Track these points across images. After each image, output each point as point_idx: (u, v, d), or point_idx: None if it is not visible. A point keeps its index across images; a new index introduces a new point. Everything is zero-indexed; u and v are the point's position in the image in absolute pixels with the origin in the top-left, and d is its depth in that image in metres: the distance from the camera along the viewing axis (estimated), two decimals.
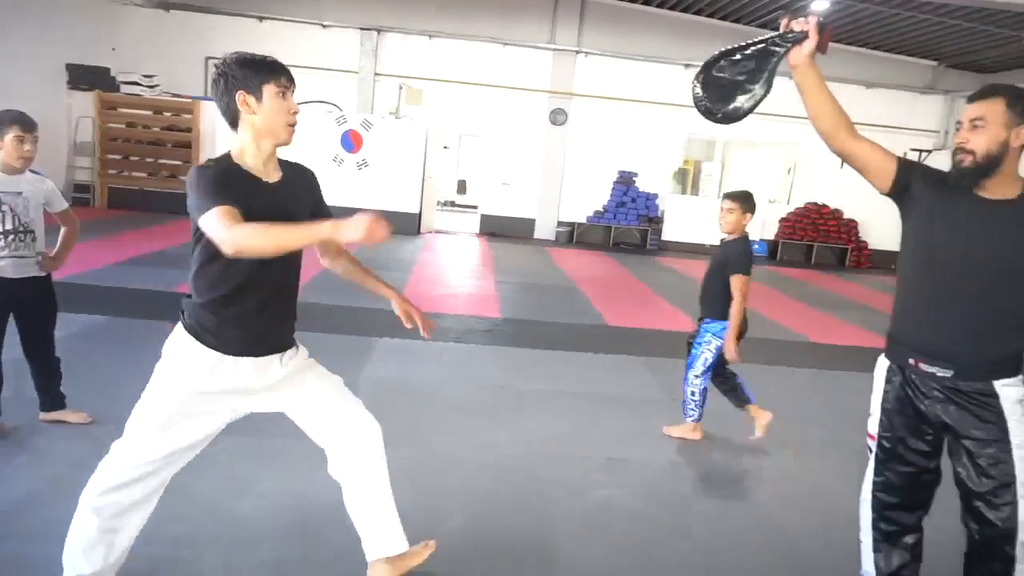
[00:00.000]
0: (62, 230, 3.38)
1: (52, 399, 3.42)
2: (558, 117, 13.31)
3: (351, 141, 12.12)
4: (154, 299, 6.17)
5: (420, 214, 12.66)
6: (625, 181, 13.43)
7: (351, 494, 2.32)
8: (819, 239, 13.76)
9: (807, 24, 2.06)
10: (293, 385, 2.22)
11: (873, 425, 2.24)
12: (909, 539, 2.22)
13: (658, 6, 12.72)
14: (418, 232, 12.61)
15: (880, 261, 14.07)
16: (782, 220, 14.06)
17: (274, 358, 2.16)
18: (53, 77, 11.30)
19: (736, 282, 3.64)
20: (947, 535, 2.32)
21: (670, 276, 10.83)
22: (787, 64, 2.16)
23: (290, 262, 2.15)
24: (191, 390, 2.05)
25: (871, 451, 2.26)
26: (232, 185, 1.92)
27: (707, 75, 2.22)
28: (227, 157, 2.03)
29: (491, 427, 3.96)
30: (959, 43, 12.01)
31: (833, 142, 2.19)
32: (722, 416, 4.15)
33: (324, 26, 12.69)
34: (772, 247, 13.99)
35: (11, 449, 3.15)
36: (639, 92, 13.39)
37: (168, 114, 11.90)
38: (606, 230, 13.67)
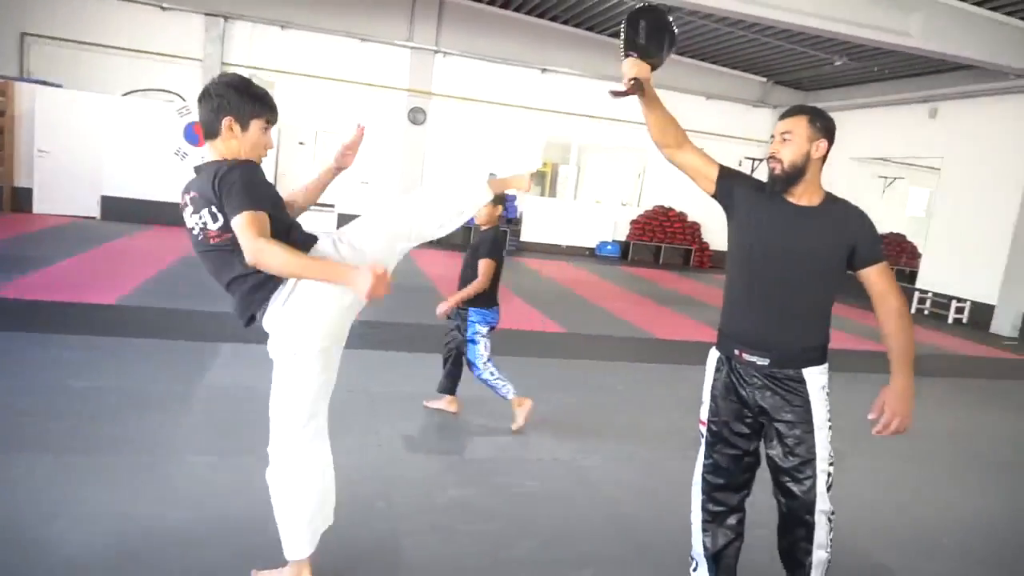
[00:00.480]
0: None
1: None
2: (417, 116, 13.22)
3: (195, 134, 11.35)
4: None
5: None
6: None
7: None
8: (666, 240, 14.61)
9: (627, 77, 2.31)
10: None
11: (704, 412, 2.45)
12: (732, 519, 2.43)
13: (516, 10, 12.95)
14: None
15: (720, 261, 15.17)
16: (633, 222, 14.80)
17: None
18: None
19: (482, 265, 3.98)
20: (765, 515, 2.53)
21: (529, 277, 11.07)
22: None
23: None
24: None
25: (702, 436, 2.46)
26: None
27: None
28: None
29: (341, 431, 3.82)
30: (784, 62, 13.20)
31: (666, 152, 2.46)
32: (580, 409, 4.28)
33: (163, 8, 11.79)
34: (624, 248, 14.69)
35: None
36: (498, 94, 13.58)
37: None
38: (466, 231, 13.73)
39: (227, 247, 2.14)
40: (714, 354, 2.42)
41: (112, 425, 3.57)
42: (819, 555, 2.28)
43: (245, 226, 1.98)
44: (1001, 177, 10.51)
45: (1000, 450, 4.87)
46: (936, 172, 11.79)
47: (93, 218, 11.17)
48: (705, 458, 2.44)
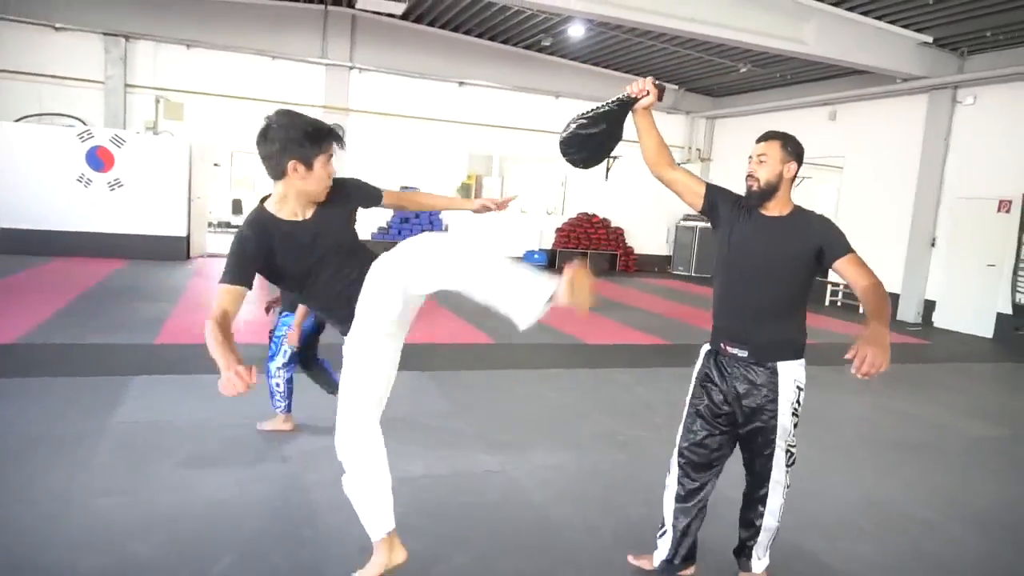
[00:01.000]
0: None
1: None
2: None
3: (99, 159, 10.85)
4: None
5: (189, 237, 11.66)
6: None
7: None
8: (592, 247, 14.85)
9: (646, 84, 2.64)
10: None
11: (689, 395, 2.74)
12: (700, 497, 2.73)
13: (430, 24, 12.96)
14: (187, 257, 11.60)
15: (644, 264, 15.53)
16: (558, 230, 14.98)
17: None
18: None
19: None
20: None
21: None
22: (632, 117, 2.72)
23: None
24: None
25: (685, 413, 2.74)
26: (261, 242, 2.32)
27: (572, 133, 2.67)
28: (263, 208, 2.37)
29: (263, 460, 3.72)
30: (695, 70, 13.68)
31: (656, 170, 2.73)
32: (510, 419, 4.26)
33: (56, 28, 11.22)
34: (551, 256, 14.84)
35: None
36: (417, 108, 13.53)
37: None
38: (391, 247, 13.59)
39: None
40: (706, 347, 2.74)
41: (14, 473, 3.34)
42: (769, 520, 2.64)
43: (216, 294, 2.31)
44: (897, 173, 11.18)
45: (909, 432, 5.14)
46: (839, 171, 12.43)
47: None
48: (683, 438, 2.72)
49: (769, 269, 2.55)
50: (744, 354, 2.57)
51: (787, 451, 2.59)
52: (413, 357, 6.15)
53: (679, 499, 2.74)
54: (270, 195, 2.41)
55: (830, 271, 2.55)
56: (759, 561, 2.73)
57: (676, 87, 15.12)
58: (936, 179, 10.65)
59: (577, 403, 5.25)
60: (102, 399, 4.46)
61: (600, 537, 3.16)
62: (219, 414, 4.35)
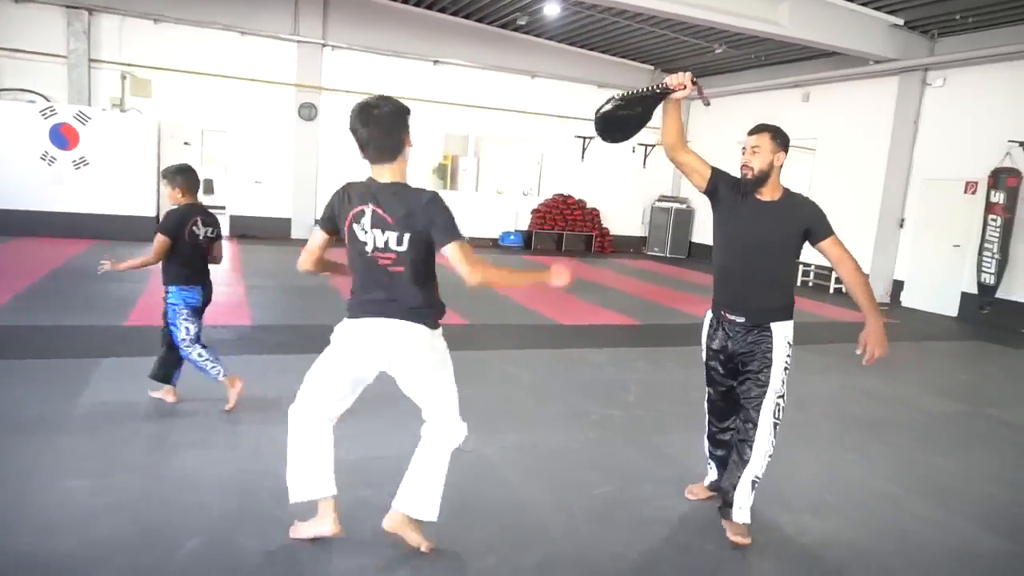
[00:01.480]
0: None
1: None
2: (308, 112, 12.82)
3: (64, 136, 10.58)
4: None
5: (158, 217, 11.45)
6: None
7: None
8: (568, 228, 14.86)
9: (686, 80, 2.92)
10: None
11: (703, 356, 3.21)
12: (726, 436, 3.24)
13: (403, 1, 12.77)
14: None
15: (620, 245, 15.59)
16: (534, 211, 14.96)
17: None
18: None
19: (155, 240, 3.99)
20: None
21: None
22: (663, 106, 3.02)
23: None
24: None
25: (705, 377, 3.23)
26: None
27: (610, 112, 2.96)
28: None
29: (233, 442, 3.69)
30: (669, 50, 13.66)
31: (673, 152, 3.02)
32: (483, 400, 4.27)
33: (15, 0, 10.87)
34: (527, 237, 14.83)
35: None
36: (392, 87, 13.31)
37: None
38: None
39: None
40: (709, 314, 3.15)
41: None
42: (752, 466, 2.98)
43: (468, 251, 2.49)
44: (867, 154, 11.31)
45: (874, 409, 5.25)
46: (812, 152, 12.53)
47: None
48: (708, 395, 3.26)
49: (764, 247, 2.92)
50: (742, 320, 2.96)
51: (775, 402, 2.94)
52: None
53: (711, 440, 3.31)
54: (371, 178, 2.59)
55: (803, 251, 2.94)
56: (740, 510, 2.99)
57: (651, 67, 15.10)
58: (905, 160, 10.80)
59: (550, 383, 5.28)
60: (70, 382, 4.40)
61: (570, 514, 3.20)
62: (188, 396, 4.31)
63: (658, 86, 2.94)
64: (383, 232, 2.53)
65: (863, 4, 9.81)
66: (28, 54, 11.05)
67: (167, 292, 4.06)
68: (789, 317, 2.97)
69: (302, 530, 2.81)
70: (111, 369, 4.75)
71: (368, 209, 2.54)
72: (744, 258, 2.96)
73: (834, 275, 11.67)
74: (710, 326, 3.13)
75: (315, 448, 2.79)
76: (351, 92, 13.05)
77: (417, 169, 13.80)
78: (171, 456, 3.47)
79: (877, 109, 11.25)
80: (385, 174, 2.53)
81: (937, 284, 10.03)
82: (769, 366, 2.92)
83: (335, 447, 2.98)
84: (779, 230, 2.91)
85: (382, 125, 2.45)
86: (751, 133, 2.95)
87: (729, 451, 3.13)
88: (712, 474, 3.38)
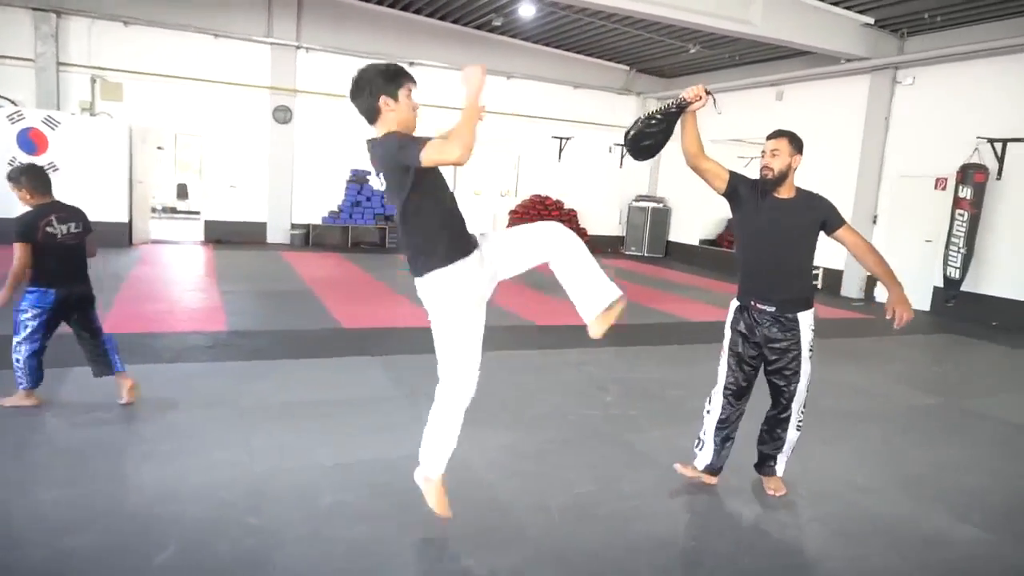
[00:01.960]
0: None
1: None
2: (283, 115, 12.71)
3: (32, 142, 10.38)
4: None
5: (131, 223, 11.30)
6: (359, 180, 13.27)
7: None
8: None
9: (701, 91, 3.21)
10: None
11: (726, 343, 3.45)
12: (738, 415, 3.48)
13: (378, 3, 12.71)
14: (130, 244, 11.24)
15: (598, 245, 15.63)
16: (511, 212, 14.95)
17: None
18: None
19: (14, 253, 3.91)
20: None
21: (409, 274, 10.93)
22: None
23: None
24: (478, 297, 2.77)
25: (722, 360, 3.46)
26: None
27: (640, 131, 3.27)
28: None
29: (208, 450, 3.64)
30: (645, 51, 13.74)
31: (693, 160, 3.30)
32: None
33: None
34: None
35: None
36: None
37: None
38: (344, 231, 13.41)
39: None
40: (734, 303, 3.44)
41: None
42: (792, 434, 3.41)
43: (437, 146, 2.49)
44: (840, 151, 11.45)
45: (850, 402, 5.30)
46: None
47: None
48: (727, 377, 3.43)
49: (786, 241, 3.26)
50: (772, 309, 3.27)
51: (806, 385, 3.33)
52: (361, 342, 6.11)
53: (721, 422, 3.47)
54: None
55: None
56: (781, 466, 3.50)
57: (627, 68, 15.17)
58: (877, 157, 10.95)
59: (527, 383, 5.27)
60: (38, 392, 4.31)
61: (548, 514, 3.20)
62: (160, 404, 4.25)
63: (675, 103, 3.23)
64: (378, 177, 2.75)
65: (834, 4, 9.94)
66: None
67: (28, 292, 3.99)
68: (811, 306, 3.32)
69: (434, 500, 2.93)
70: (82, 378, 4.66)
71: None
72: (770, 251, 3.29)
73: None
74: (737, 312, 3.42)
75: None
76: (326, 95, 12.97)
77: None
78: (142, 465, 3.41)
79: (849, 107, 11.40)
80: (375, 135, 2.69)
81: (910, 279, 10.12)
82: (799, 355, 3.29)
83: (310, 454, 2.95)
84: (799, 224, 3.26)
85: (353, 92, 2.66)
86: (770, 138, 3.28)
87: (734, 432, 3.49)
88: (705, 456, 3.53)
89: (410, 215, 2.68)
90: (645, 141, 3.27)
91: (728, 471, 3.67)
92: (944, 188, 9.82)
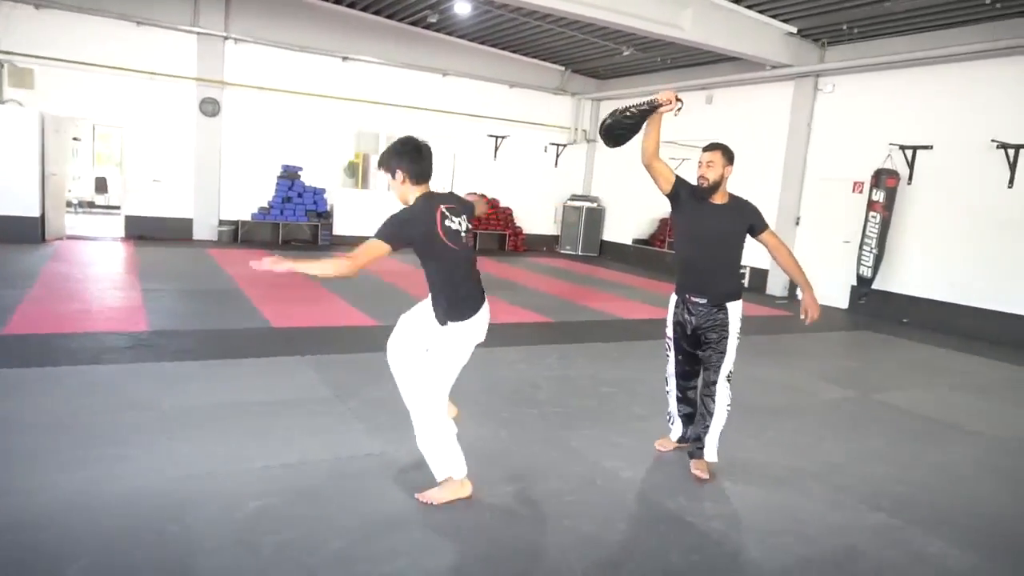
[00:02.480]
0: None
1: None
2: (210, 107, 12.28)
3: None
4: None
5: (44, 218, 10.71)
6: (290, 176, 12.95)
7: None
8: (481, 227, 14.85)
9: (672, 96, 3.57)
10: None
11: (668, 331, 3.95)
12: (691, 394, 4.01)
13: None
14: (42, 239, 10.66)
15: (533, 244, 15.75)
16: None
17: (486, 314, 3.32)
18: None
19: None
20: None
21: None
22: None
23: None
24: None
25: (667, 346, 3.99)
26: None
27: (615, 122, 3.69)
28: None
29: (125, 456, 3.49)
30: (580, 52, 13.89)
31: (648, 159, 3.67)
32: (393, 401, 4.20)
33: None
34: None
35: None
36: (299, 83, 12.99)
37: None
38: (274, 227, 13.07)
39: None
40: (674, 296, 3.88)
41: None
42: (718, 415, 3.80)
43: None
44: (766, 155, 11.87)
45: (770, 397, 5.51)
46: None
47: None
48: (673, 363, 3.98)
49: (719, 242, 3.71)
50: (704, 301, 3.72)
51: (730, 366, 3.77)
52: (293, 342, 5.98)
53: (679, 400, 4.01)
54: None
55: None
56: (710, 449, 3.79)
57: (562, 68, 15.31)
58: (800, 161, 11.41)
59: (460, 383, 5.21)
60: None
61: (477, 511, 3.20)
62: (73, 409, 4.05)
63: (648, 103, 3.60)
64: None
65: (760, 12, 10.29)
66: None
67: None
68: (739, 297, 3.78)
69: (438, 496, 3.21)
70: None
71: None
72: (704, 250, 3.73)
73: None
74: (676, 306, 3.87)
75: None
76: (257, 88, 12.61)
77: (326, 167, 13.52)
78: (55, 474, 3.24)
79: (775, 112, 11.83)
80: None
81: (829, 278, 10.64)
82: (726, 337, 3.72)
83: (235, 458, 2.86)
84: (730, 226, 3.72)
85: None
86: (706, 150, 3.70)
87: (694, 407, 3.92)
88: (676, 430, 4.06)
89: (429, 276, 3.19)
90: (618, 130, 3.69)
91: (655, 466, 3.76)
92: (861, 191, 10.31)
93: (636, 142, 3.79)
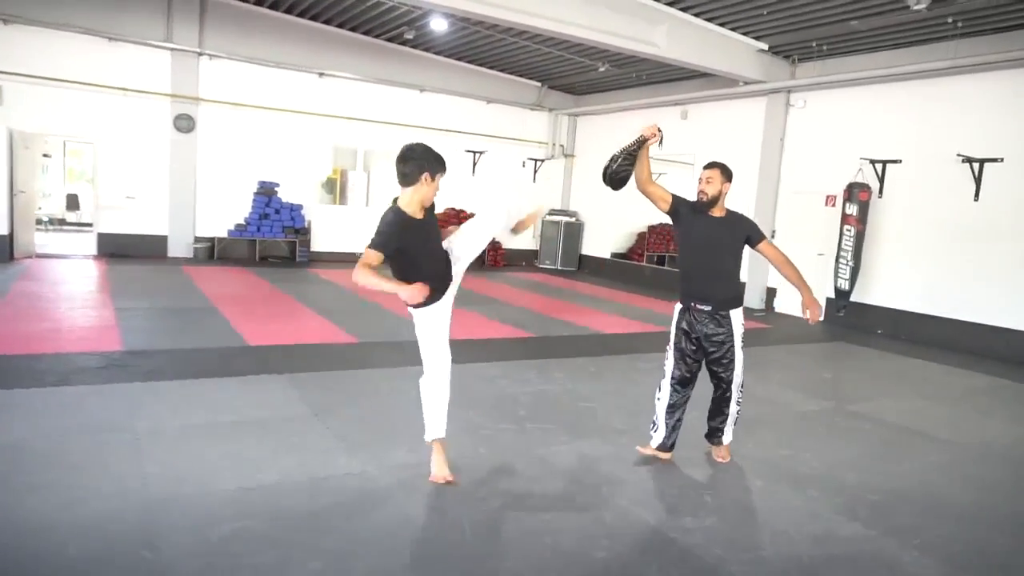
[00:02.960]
0: None
1: None
2: (185, 124, 12.18)
3: None
4: None
5: (12, 236, 10.54)
6: (266, 192, 12.86)
7: None
8: None
9: (655, 129, 3.94)
10: None
11: (671, 339, 4.14)
12: (684, 401, 4.17)
13: (286, 11, 12.42)
14: (11, 258, 10.48)
15: (512, 259, 15.77)
16: None
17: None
18: None
19: None
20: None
21: (321, 287, 10.69)
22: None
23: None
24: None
25: (667, 355, 4.16)
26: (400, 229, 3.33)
27: (616, 170, 4.01)
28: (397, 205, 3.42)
29: (96, 480, 3.42)
30: (556, 68, 14.01)
31: (643, 186, 4.00)
32: (371, 420, 4.16)
33: None
34: None
35: None
36: (276, 100, 12.94)
37: None
38: (251, 244, 12.96)
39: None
40: (678, 305, 4.11)
41: None
42: (733, 408, 4.16)
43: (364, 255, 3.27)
44: (741, 169, 11.96)
45: (747, 409, 5.53)
46: (691, 167, 13.19)
47: None
48: (673, 369, 4.13)
49: (719, 252, 4.00)
50: (708, 308, 3.98)
51: (741, 369, 4.06)
52: (270, 360, 5.92)
53: (671, 407, 4.13)
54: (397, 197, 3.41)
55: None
56: (727, 435, 4.20)
57: (539, 84, 15.43)
58: (774, 175, 11.58)
59: None
60: None
61: (459, 529, 3.18)
62: (40, 431, 3.96)
63: (636, 142, 3.96)
64: None
65: (732, 29, 10.47)
66: None
67: None
68: (740, 304, 4.07)
69: (439, 471, 3.63)
70: None
71: None
72: (706, 261, 4.01)
73: None
74: (680, 313, 4.09)
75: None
76: (232, 104, 12.54)
77: (303, 183, 13.45)
78: (24, 498, 3.16)
79: (748, 127, 12.01)
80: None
81: None
82: (733, 345, 4.00)
83: (209, 479, 2.82)
84: (729, 238, 4.00)
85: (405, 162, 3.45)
86: (706, 168, 4.03)
87: (682, 416, 4.17)
88: (658, 437, 4.17)
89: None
90: (621, 175, 4.01)
91: (635, 481, 3.76)
92: (833, 205, 10.48)
93: None
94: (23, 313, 7.12)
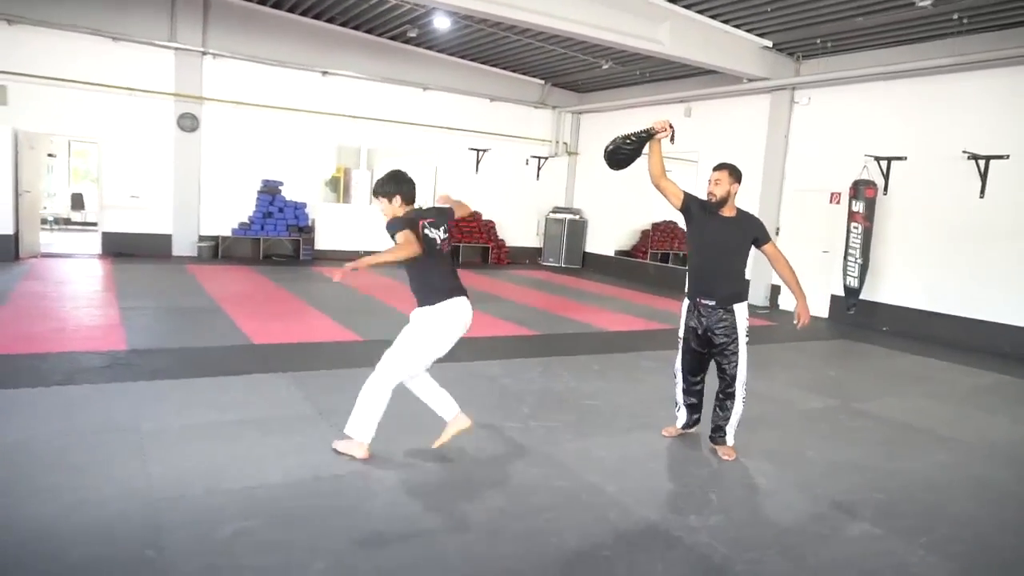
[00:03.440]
0: None
1: None
2: (189, 123, 12.20)
3: None
4: None
5: (17, 235, 10.56)
6: (270, 190, 12.87)
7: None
8: (464, 239, 14.86)
9: (666, 124, 4.07)
10: None
11: (680, 332, 4.38)
12: (698, 387, 4.46)
13: (289, 10, 12.42)
14: (16, 257, 10.50)
15: (516, 256, 15.76)
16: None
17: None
18: None
19: None
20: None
21: (325, 286, 10.69)
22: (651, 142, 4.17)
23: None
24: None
25: (679, 346, 4.41)
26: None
27: (617, 147, 4.12)
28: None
29: (100, 480, 3.42)
30: (560, 66, 13.99)
31: (656, 180, 4.12)
32: None
33: None
34: None
35: None
36: (279, 98, 12.95)
37: None
38: (255, 242, 12.98)
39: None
40: (686, 301, 4.32)
41: None
42: (737, 406, 4.27)
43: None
44: (745, 166, 11.88)
45: (752, 408, 5.52)
46: (695, 164, 13.16)
47: None
48: (681, 358, 4.41)
49: (727, 250, 4.16)
50: (713, 303, 4.16)
51: (744, 362, 4.19)
52: (274, 359, 5.92)
53: (685, 392, 4.45)
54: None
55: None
56: (730, 436, 4.28)
57: (542, 82, 15.41)
58: (779, 173, 11.54)
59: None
60: None
61: (463, 528, 3.18)
62: (44, 431, 3.97)
63: (645, 130, 4.05)
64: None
65: (736, 27, 10.43)
66: None
67: None
68: (744, 299, 4.23)
69: (342, 446, 3.89)
70: None
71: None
72: (714, 258, 4.18)
73: None
74: (688, 310, 4.29)
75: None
76: (235, 103, 12.55)
77: (306, 181, 13.46)
78: (27, 500, 3.16)
79: (752, 124, 11.97)
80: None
81: (809, 288, 10.72)
82: (736, 338, 4.17)
83: (214, 479, 2.80)
84: (737, 237, 4.18)
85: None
86: (715, 169, 4.18)
87: (699, 398, 4.43)
88: (682, 417, 4.50)
89: (411, 273, 3.86)
90: (620, 155, 4.10)
91: (640, 480, 3.75)
92: (838, 202, 10.44)
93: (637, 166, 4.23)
94: (28, 312, 7.14)
